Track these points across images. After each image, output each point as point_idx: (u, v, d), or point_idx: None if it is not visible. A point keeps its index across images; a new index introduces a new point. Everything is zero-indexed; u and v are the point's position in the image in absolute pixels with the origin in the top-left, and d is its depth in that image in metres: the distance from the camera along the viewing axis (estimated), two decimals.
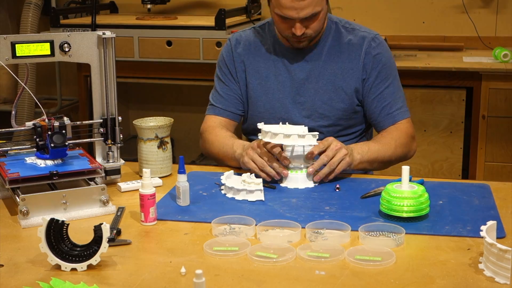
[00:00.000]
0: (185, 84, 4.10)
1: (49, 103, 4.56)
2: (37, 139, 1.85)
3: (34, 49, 1.87)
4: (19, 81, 1.92)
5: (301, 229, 1.63)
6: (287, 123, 2.04)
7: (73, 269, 1.48)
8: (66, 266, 1.48)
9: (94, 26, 3.78)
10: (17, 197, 1.73)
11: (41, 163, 1.84)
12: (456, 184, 2.00)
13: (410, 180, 1.76)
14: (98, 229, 1.48)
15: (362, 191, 1.90)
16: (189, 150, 4.33)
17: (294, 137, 1.92)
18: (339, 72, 2.20)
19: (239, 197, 1.87)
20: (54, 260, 1.48)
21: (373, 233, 1.61)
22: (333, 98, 2.21)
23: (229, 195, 1.89)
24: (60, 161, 1.87)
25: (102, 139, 2.00)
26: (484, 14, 4.01)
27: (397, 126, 2.20)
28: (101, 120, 1.99)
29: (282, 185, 1.96)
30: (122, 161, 2.01)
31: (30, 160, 1.87)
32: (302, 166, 1.96)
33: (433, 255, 1.52)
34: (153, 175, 1.95)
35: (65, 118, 1.90)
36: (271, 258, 1.51)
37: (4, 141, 1.99)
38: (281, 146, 1.97)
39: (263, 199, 1.85)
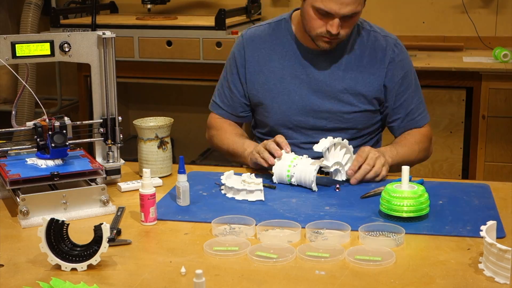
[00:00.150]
0: (185, 84, 4.10)
1: (49, 103, 4.56)
2: (38, 139, 1.85)
3: (34, 49, 1.87)
4: (20, 79, 1.92)
5: (301, 229, 1.63)
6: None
7: (73, 269, 1.48)
8: (66, 266, 1.48)
9: (94, 26, 3.78)
10: (17, 197, 1.73)
11: (42, 163, 1.84)
12: (456, 184, 2.00)
13: (410, 180, 1.76)
14: (98, 229, 1.48)
15: (362, 191, 1.90)
16: (189, 150, 4.33)
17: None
18: (360, 76, 2.15)
19: (239, 197, 1.87)
20: (54, 260, 1.48)
21: (373, 233, 1.61)
22: (352, 102, 2.17)
23: (229, 195, 1.89)
24: (61, 162, 1.87)
25: (102, 139, 2.00)
26: (484, 14, 4.01)
27: (420, 130, 2.22)
28: (101, 120, 1.99)
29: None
30: (122, 161, 2.01)
31: (31, 161, 1.87)
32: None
33: (433, 255, 1.52)
34: (153, 175, 1.95)
35: (66, 118, 1.90)
36: (271, 258, 1.51)
37: (4, 141, 1.99)
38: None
39: (263, 199, 1.85)
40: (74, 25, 3.97)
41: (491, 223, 1.50)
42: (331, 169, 1.93)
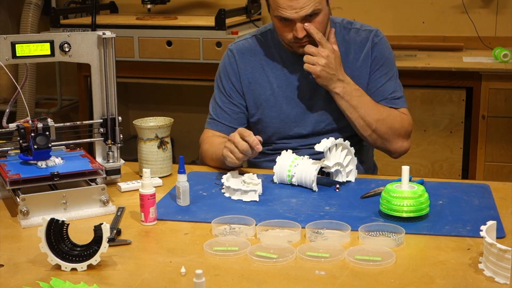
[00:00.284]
0: (185, 84, 4.10)
1: (49, 103, 4.57)
2: (21, 141, 1.84)
3: (34, 49, 1.87)
4: (16, 84, 1.92)
5: (301, 229, 1.63)
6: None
7: (73, 269, 1.48)
8: (66, 266, 1.48)
9: (94, 26, 3.78)
10: (17, 197, 1.73)
11: (42, 164, 1.84)
12: (456, 184, 2.00)
13: (410, 180, 1.76)
14: (98, 229, 1.48)
15: (362, 191, 1.90)
16: (189, 150, 4.33)
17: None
18: (349, 72, 2.15)
19: (234, 197, 1.87)
20: (54, 260, 1.48)
21: (373, 233, 1.61)
22: None
23: (227, 195, 1.89)
24: (61, 161, 1.87)
25: (102, 139, 2.00)
26: (484, 14, 4.01)
27: (399, 110, 2.18)
28: (101, 120, 1.99)
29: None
30: (122, 161, 2.01)
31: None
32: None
33: (433, 255, 1.52)
34: (153, 175, 1.95)
35: (49, 120, 1.88)
36: (271, 258, 1.51)
37: (5, 141, 1.99)
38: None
39: (257, 199, 1.85)
40: (74, 25, 3.97)
41: (491, 223, 1.50)
42: (332, 170, 1.93)
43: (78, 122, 2.08)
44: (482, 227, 1.47)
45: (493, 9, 4.00)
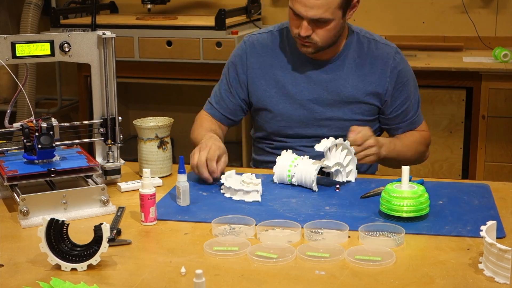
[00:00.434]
0: (185, 84, 4.10)
1: (49, 103, 4.57)
2: (25, 141, 1.84)
3: (34, 49, 1.87)
4: (18, 83, 1.92)
5: (301, 229, 1.63)
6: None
7: (73, 269, 1.48)
8: (66, 266, 1.48)
9: (94, 26, 3.78)
10: (17, 197, 1.74)
11: (39, 160, 1.84)
12: (456, 184, 2.00)
13: (410, 180, 1.76)
14: (98, 229, 1.48)
15: (362, 191, 1.90)
16: (189, 150, 4.31)
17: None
18: (361, 85, 2.16)
19: (236, 197, 1.87)
20: (54, 260, 1.48)
21: (373, 233, 1.61)
22: (353, 110, 2.18)
23: (227, 195, 1.89)
24: (58, 159, 1.87)
25: (102, 139, 2.00)
26: (484, 14, 4.01)
27: (421, 133, 2.27)
28: (101, 120, 1.99)
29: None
30: (122, 161, 2.01)
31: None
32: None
33: (433, 255, 1.52)
34: (153, 175, 1.95)
35: (53, 119, 1.89)
36: (271, 258, 1.51)
37: (5, 141, 1.99)
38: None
39: (259, 200, 1.85)
40: (74, 25, 3.97)
41: (491, 223, 1.50)
42: (332, 170, 1.93)
43: (78, 122, 2.08)
44: (482, 227, 1.47)
45: (493, 9, 4.00)
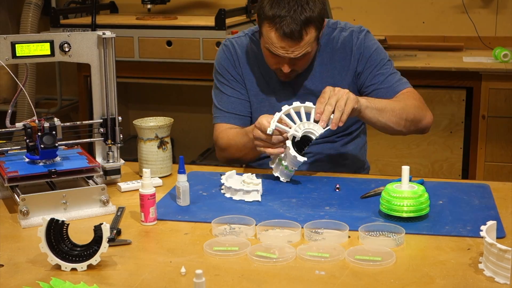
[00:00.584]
0: (185, 84, 4.10)
1: (49, 103, 4.57)
2: (27, 140, 1.84)
3: (34, 49, 1.87)
4: (18, 82, 1.92)
5: (301, 229, 1.63)
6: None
7: (73, 269, 1.48)
8: (66, 266, 1.48)
9: (94, 26, 3.78)
10: (17, 197, 1.74)
11: (40, 161, 1.84)
12: (456, 184, 2.00)
13: (410, 180, 1.76)
14: (98, 229, 1.48)
15: (362, 191, 1.90)
16: (189, 150, 4.33)
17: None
18: (337, 72, 2.18)
19: (236, 197, 1.87)
20: (54, 260, 1.48)
21: (373, 233, 1.61)
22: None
23: (227, 195, 1.89)
24: (59, 160, 1.87)
25: (102, 139, 2.00)
26: (484, 14, 4.01)
27: (402, 92, 2.16)
28: (101, 120, 1.99)
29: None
30: (122, 161, 2.01)
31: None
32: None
33: (433, 255, 1.52)
34: (153, 175, 1.95)
35: (56, 119, 1.89)
36: (271, 258, 1.51)
37: (4, 141, 1.99)
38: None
39: (259, 199, 1.85)
40: (74, 25, 3.97)
41: (491, 223, 1.50)
42: (300, 133, 1.89)
43: (78, 122, 2.08)
44: (482, 227, 1.47)
45: (493, 9, 4.00)
